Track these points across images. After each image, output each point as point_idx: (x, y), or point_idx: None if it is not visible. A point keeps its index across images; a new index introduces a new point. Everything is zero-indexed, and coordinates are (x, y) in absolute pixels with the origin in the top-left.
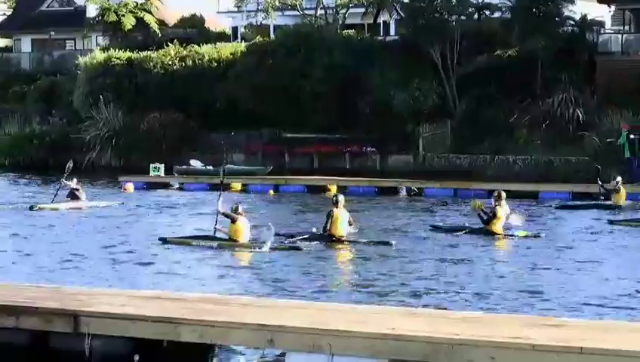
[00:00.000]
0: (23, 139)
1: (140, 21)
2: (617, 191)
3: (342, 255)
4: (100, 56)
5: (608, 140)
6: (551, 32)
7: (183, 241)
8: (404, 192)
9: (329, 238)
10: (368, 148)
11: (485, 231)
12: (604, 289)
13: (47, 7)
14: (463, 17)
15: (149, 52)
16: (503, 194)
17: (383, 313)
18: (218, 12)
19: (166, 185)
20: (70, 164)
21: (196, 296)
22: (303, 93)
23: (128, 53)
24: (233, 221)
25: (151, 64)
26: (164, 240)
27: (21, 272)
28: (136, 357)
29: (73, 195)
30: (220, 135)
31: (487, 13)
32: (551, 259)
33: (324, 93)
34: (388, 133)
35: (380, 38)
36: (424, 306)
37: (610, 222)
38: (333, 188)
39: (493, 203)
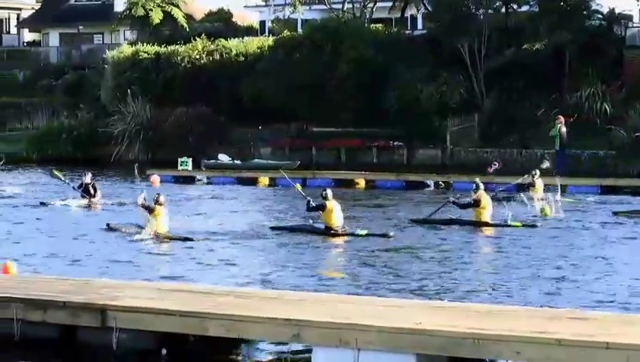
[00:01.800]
0: (51, 132)
1: (168, 15)
2: (533, 184)
3: (343, 246)
4: (127, 50)
5: (636, 134)
6: (578, 25)
7: (125, 228)
8: (432, 186)
9: (327, 231)
10: (396, 143)
11: (475, 222)
12: (619, 281)
13: (76, 1)
14: (490, 11)
15: (176, 46)
16: (481, 185)
17: (409, 307)
18: (245, 6)
19: (194, 179)
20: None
21: (223, 289)
22: (331, 87)
23: (156, 47)
24: (151, 211)
25: (178, 58)
26: (108, 226)
27: (46, 266)
28: (164, 351)
29: (87, 191)
30: (247, 129)
31: (515, 6)
32: (560, 250)
33: (351, 88)
34: (415, 127)
35: (407, 32)
36: (441, 299)
37: (615, 213)
38: (362, 183)
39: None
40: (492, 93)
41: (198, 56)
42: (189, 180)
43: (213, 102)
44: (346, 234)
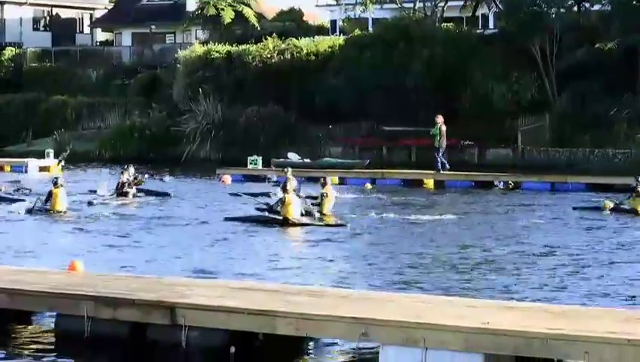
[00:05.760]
0: (124, 132)
1: (239, 14)
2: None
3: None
4: (199, 49)
5: None
6: None
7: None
8: (500, 186)
9: (284, 221)
10: (466, 142)
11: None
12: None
13: (148, 1)
14: (562, 10)
15: (247, 45)
16: (328, 180)
17: (477, 306)
18: (317, 5)
19: (264, 178)
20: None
21: (291, 288)
22: (402, 86)
23: (227, 47)
24: (50, 195)
25: (249, 57)
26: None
27: (114, 262)
28: (232, 349)
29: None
30: (318, 128)
31: (587, 5)
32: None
33: (422, 87)
34: (487, 127)
35: (478, 31)
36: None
37: (574, 209)
38: (430, 182)
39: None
40: (564, 92)
41: (269, 56)
42: (259, 179)
43: (284, 101)
44: (303, 225)
